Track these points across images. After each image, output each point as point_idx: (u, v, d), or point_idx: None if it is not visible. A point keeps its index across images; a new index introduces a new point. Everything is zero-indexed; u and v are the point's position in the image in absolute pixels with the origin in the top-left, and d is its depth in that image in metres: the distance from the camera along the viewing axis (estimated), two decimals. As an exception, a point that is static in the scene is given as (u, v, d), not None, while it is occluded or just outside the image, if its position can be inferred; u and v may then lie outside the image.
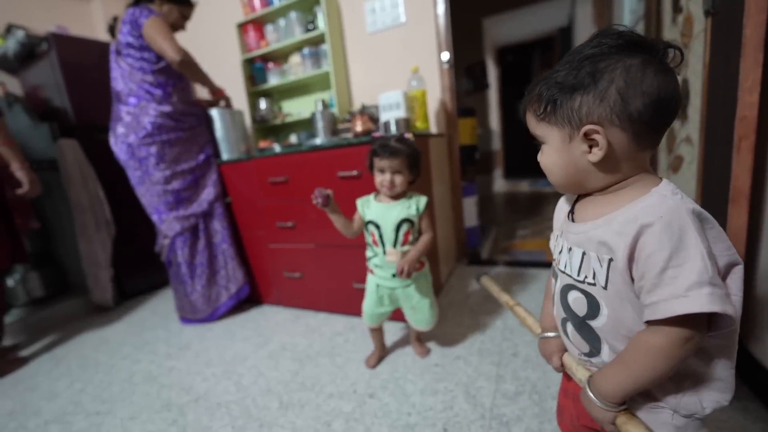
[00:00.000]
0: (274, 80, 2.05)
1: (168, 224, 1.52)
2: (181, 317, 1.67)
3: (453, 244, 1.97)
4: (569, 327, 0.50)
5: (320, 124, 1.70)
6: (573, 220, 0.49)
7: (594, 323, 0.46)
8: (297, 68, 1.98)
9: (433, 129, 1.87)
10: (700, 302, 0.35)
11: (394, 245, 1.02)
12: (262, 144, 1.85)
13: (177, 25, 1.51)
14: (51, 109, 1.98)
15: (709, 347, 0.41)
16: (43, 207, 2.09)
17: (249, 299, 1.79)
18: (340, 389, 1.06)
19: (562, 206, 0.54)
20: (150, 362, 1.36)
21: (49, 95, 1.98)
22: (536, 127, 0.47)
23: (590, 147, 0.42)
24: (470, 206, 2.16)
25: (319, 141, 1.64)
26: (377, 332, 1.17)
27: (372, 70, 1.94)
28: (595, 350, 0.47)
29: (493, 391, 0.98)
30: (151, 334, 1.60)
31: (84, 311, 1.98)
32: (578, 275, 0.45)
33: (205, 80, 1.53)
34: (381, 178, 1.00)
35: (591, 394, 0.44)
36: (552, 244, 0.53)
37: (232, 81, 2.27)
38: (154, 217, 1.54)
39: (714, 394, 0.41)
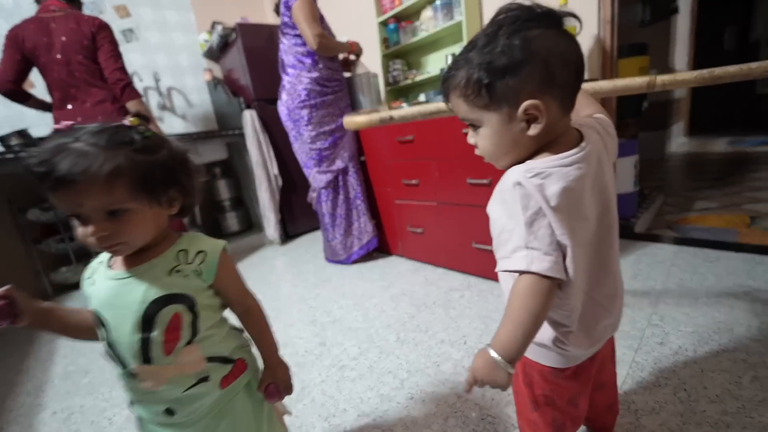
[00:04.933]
0: (405, 40, 2.08)
1: (314, 178, 1.81)
2: (326, 257, 2.01)
3: (596, 211, 1.71)
4: None
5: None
6: None
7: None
8: (428, 23, 1.94)
9: (585, 74, 1.58)
10: (518, 262, 0.42)
11: (147, 357, 0.49)
12: (393, 105, 1.94)
13: None
14: (239, 86, 2.53)
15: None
16: (236, 164, 2.77)
17: (379, 249, 2.01)
18: (451, 338, 1.13)
19: None
20: (303, 287, 1.72)
21: (238, 75, 2.52)
22: (469, 112, 0.46)
23: (528, 122, 0.43)
24: (627, 168, 1.79)
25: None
26: None
27: None
28: None
29: (624, 376, 0.87)
30: (305, 267, 2.00)
31: (262, 244, 2.60)
32: None
33: (340, 50, 1.68)
34: (82, 233, 0.46)
35: (494, 354, 0.43)
36: None
37: (368, 45, 2.40)
38: (305, 171, 1.85)
39: (551, 323, 0.49)
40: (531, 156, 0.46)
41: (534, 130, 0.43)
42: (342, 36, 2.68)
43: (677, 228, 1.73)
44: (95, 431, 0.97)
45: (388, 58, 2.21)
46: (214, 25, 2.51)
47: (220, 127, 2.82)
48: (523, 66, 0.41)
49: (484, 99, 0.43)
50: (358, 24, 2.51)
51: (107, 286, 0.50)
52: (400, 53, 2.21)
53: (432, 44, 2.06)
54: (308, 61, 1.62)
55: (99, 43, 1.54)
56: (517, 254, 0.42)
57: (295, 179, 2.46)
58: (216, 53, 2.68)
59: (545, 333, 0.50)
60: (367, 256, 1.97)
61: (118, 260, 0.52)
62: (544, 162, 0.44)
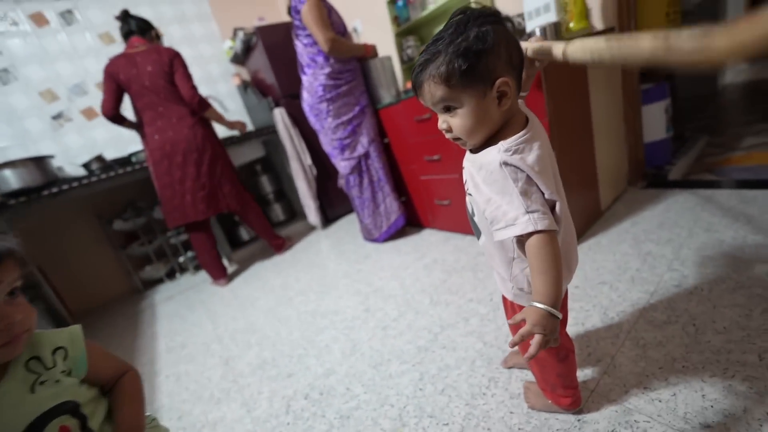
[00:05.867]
0: (415, 15, 2.10)
1: (340, 166, 1.96)
2: (363, 236, 2.19)
3: (623, 163, 1.69)
4: (472, 222, 0.68)
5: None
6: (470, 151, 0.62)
7: (475, 219, 0.65)
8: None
9: (598, 25, 1.54)
10: (524, 227, 0.51)
11: None
12: (409, 84, 2.00)
13: None
14: (266, 86, 2.71)
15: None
16: (273, 160, 2.99)
17: (411, 223, 2.15)
18: (479, 296, 1.26)
19: None
20: (346, 265, 1.92)
21: (263, 76, 2.69)
22: (449, 96, 0.52)
23: (499, 98, 0.52)
24: (657, 114, 1.74)
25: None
26: None
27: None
28: (478, 237, 0.68)
29: (636, 317, 0.95)
30: (346, 247, 2.20)
31: (306, 229, 2.85)
32: (466, 186, 0.62)
33: (354, 52, 1.76)
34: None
35: (542, 306, 0.50)
36: None
37: (381, 26, 2.45)
38: (333, 160, 2.01)
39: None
40: (497, 132, 0.55)
41: (505, 104, 0.52)
42: (354, 19, 2.74)
43: (718, 171, 1.67)
44: (199, 387, 1.25)
45: (400, 36, 2.25)
46: (236, 31, 2.68)
47: (255, 127, 3.05)
48: (495, 49, 0.50)
49: (464, 81, 0.50)
50: (368, 5, 2.54)
51: None
52: (412, 29, 2.23)
53: (442, 15, 2.06)
54: (320, 58, 1.73)
55: (174, 68, 1.89)
56: (520, 220, 0.50)
57: (328, 167, 2.63)
58: (241, 57, 2.87)
59: None
60: (401, 232, 2.12)
61: None
62: (513, 141, 0.53)
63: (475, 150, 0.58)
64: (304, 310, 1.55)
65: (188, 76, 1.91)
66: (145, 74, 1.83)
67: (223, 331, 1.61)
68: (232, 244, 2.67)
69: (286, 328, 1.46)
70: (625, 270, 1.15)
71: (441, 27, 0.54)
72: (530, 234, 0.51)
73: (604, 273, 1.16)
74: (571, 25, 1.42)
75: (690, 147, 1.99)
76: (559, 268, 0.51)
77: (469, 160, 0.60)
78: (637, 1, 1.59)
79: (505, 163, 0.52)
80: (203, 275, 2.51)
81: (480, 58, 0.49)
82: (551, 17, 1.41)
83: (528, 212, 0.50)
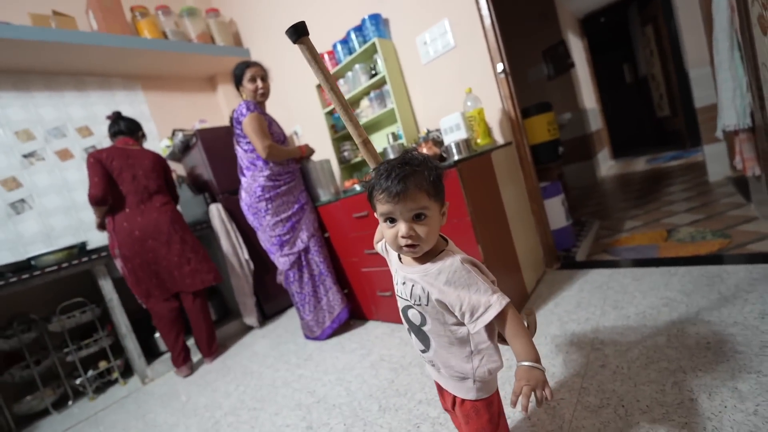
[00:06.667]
0: (350, 124, 2.37)
1: (278, 261, 1.93)
2: (304, 334, 2.05)
3: (539, 248, 1.92)
4: (412, 334, 0.72)
5: (392, 156, 1.91)
6: (401, 261, 0.70)
7: (425, 328, 0.68)
8: (367, 110, 2.25)
9: (499, 140, 1.89)
10: (499, 303, 0.60)
11: None
12: (347, 184, 2.16)
13: (260, 93, 1.85)
14: (203, 183, 2.70)
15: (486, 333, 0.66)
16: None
17: (356, 316, 2.09)
18: (428, 396, 1.21)
19: (392, 251, 0.74)
20: (285, 370, 1.74)
21: (200, 172, 2.69)
22: (426, 203, 0.62)
23: (442, 216, 0.65)
24: (556, 206, 2.06)
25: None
26: None
27: (432, 98, 2.07)
28: (426, 347, 0.70)
29: (574, 403, 0.99)
30: (285, 347, 2.03)
31: (240, 330, 2.59)
32: (410, 299, 0.67)
33: (290, 155, 1.90)
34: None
35: (530, 364, 0.59)
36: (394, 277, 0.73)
37: (319, 131, 2.70)
38: (271, 257, 1.97)
39: (492, 362, 0.66)
40: (432, 245, 0.66)
41: (444, 221, 0.66)
42: (295, 124, 2.99)
43: (612, 251, 1.98)
44: None
45: (337, 141, 2.49)
46: (174, 132, 2.72)
47: (189, 222, 2.92)
48: (440, 183, 0.65)
49: (437, 195, 0.63)
50: (308, 113, 2.83)
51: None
52: (347, 136, 2.50)
53: (373, 126, 2.37)
54: (260, 162, 1.83)
55: (166, 174, 2.21)
56: (492, 300, 0.60)
57: (267, 261, 2.55)
58: (178, 155, 2.87)
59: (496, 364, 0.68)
60: (345, 326, 2.04)
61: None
62: (454, 247, 0.69)
63: (418, 261, 0.66)
64: (235, 436, 1.33)
65: (172, 180, 2.29)
66: (139, 167, 2.04)
67: (126, 479, 1.28)
68: (148, 355, 2.29)
69: (211, 463, 1.22)
70: (557, 353, 1.22)
71: (373, 134, 0.68)
72: (504, 308, 0.60)
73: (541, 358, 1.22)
74: (479, 140, 1.72)
75: (588, 231, 2.36)
76: (527, 330, 0.63)
77: (418, 272, 0.65)
78: (525, 122, 2.02)
79: (465, 261, 0.63)
80: (107, 398, 2.07)
81: (441, 180, 0.65)
82: (462, 134, 1.71)
83: (494, 293, 0.61)
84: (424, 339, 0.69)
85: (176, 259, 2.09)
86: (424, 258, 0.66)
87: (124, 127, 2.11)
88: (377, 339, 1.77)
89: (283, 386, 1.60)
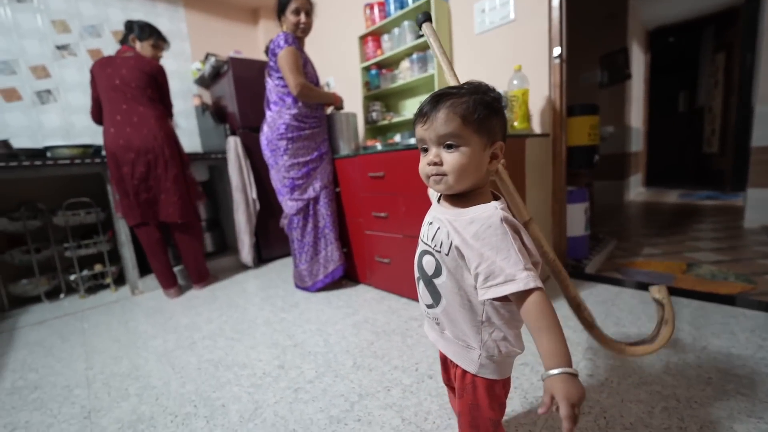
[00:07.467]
0: (385, 85, 2.27)
1: (286, 205, 1.89)
2: (295, 283, 2.05)
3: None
4: (421, 284, 0.64)
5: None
6: (439, 202, 0.63)
7: (437, 281, 0.60)
8: (405, 72, 2.14)
9: (537, 129, 1.78)
10: (524, 282, 0.49)
11: None
12: (369, 143, 2.08)
13: (301, 28, 1.73)
14: (226, 114, 2.65)
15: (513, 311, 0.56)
16: (216, 186, 2.82)
17: (348, 277, 2.07)
18: (404, 364, 1.19)
19: (432, 192, 0.68)
20: (269, 311, 1.74)
21: (226, 103, 2.64)
22: (461, 130, 0.53)
23: (491, 158, 0.56)
24: (578, 213, 1.97)
25: (413, 140, 1.77)
26: None
27: (477, 71, 1.95)
28: (435, 302, 0.62)
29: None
30: (274, 291, 2.03)
31: (234, 266, 2.61)
32: (431, 243, 0.60)
33: (322, 100, 1.81)
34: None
35: (560, 371, 0.46)
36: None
37: (352, 86, 2.60)
38: (279, 198, 1.93)
39: (505, 343, 0.58)
40: (471, 193, 0.58)
41: (494, 165, 0.56)
42: (328, 75, 2.89)
43: (623, 271, 1.89)
44: (37, 448, 0.96)
45: (368, 99, 2.39)
46: (208, 56, 2.66)
47: (204, 150, 2.90)
48: (501, 116, 0.56)
49: (477, 126, 0.53)
50: (343, 66, 2.72)
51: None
52: (380, 96, 2.40)
53: (408, 91, 2.26)
54: (289, 99, 1.76)
55: (158, 83, 2.00)
56: (519, 276, 0.48)
57: (273, 205, 2.53)
58: (207, 81, 2.82)
59: (513, 346, 0.59)
60: (336, 283, 2.03)
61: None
62: (502, 204, 0.55)
63: (455, 204, 0.58)
64: (207, 359, 1.34)
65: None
66: (117, 75, 1.88)
67: (97, 372, 1.31)
68: (142, 268, 2.32)
69: (179, 378, 1.23)
70: (545, 353, 1.17)
71: (407, 101, 0.58)
72: (529, 291, 0.49)
73: (527, 354, 1.18)
74: (516, 123, 1.62)
75: (603, 247, 2.26)
76: (560, 325, 0.49)
77: (450, 214, 0.57)
78: (568, 120, 1.89)
79: (506, 219, 0.51)
80: (96, 300, 2.12)
81: (493, 114, 0.54)
82: (501, 113, 1.60)
83: (526, 269, 0.49)
84: (433, 292, 0.62)
85: (135, 183, 1.93)
86: (462, 202, 0.58)
87: (123, 35, 2.03)
88: (365, 302, 1.75)
89: (264, 325, 1.60)
